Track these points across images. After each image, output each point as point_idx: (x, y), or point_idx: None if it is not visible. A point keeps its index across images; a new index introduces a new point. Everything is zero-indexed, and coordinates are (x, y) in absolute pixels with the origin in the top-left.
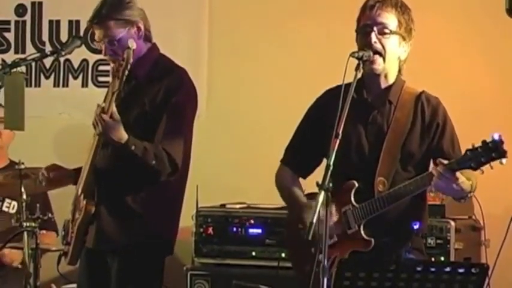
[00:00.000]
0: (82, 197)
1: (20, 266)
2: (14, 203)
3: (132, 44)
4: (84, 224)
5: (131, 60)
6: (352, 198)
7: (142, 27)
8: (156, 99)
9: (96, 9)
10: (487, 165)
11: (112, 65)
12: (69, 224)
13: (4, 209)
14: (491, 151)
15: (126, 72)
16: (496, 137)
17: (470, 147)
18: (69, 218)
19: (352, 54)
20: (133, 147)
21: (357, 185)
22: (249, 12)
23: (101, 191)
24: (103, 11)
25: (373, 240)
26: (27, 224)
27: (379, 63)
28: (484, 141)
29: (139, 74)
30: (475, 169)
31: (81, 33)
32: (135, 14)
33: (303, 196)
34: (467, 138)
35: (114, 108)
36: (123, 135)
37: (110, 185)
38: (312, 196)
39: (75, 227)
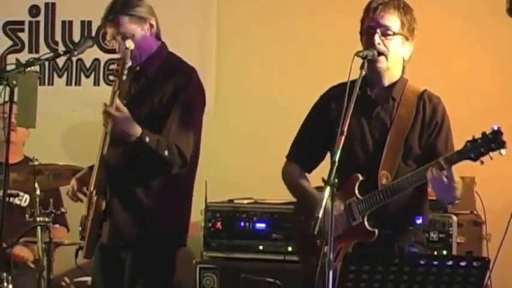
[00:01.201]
0: (94, 192)
1: (32, 265)
2: (26, 196)
3: (130, 44)
4: (97, 220)
5: (128, 60)
6: (357, 191)
7: (154, 24)
8: (165, 97)
9: (109, 7)
10: (487, 156)
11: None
12: (85, 220)
13: (17, 201)
14: (490, 142)
15: (125, 72)
16: (496, 128)
17: (470, 138)
18: (85, 213)
19: (357, 54)
20: (147, 139)
21: (361, 178)
22: (257, 10)
23: (113, 188)
24: (116, 7)
25: (376, 231)
26: (41, 219)
27: (382, 62)
28: (483, 133)
29: (148, 72)
30: (475, 160)
31: (93, 34)
32: (146, 11)
33: (313, 188)
34: (470, 135)
35: (118, 102)
36: (136, 127)
37: (122, 181)
38: (319, 190)
39: (88, 223)
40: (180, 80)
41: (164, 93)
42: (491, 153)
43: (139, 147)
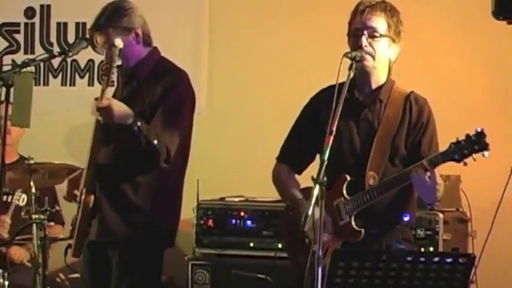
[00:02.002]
0: (84, 190)
1: (28, 264)
2: (24, 196)
3: (119, 42)
4: (85, 217)
5: (116, 58)
6: (344, 191)
7: (140, 33)
8: (155, 97)
9: (96, 17)
10: (470, 158)
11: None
12: (75, 219)
13: (14, 201)
14: (474, 144)
15: (114, 71)
16: (479, 130)
17: (454, 140)
18: (75, 213)
19: (345, 55)
20: (139, 124)
21: (349, 178)
22: (249, 12)
23: (102, 185)
24: (102, 19)
25: (363, 230)
26: (36, 216)
27: (369, 60)
28: (467, 135)
29: (140, 75)
30: (458, 161)
31: (87, 35)
32: (133, 21)
33: (299, 192)
34: (455, 135)
35: (106, 95)
36: (128, 112)
37: (111, 179)
38: (307, 191)
39: (77, 221)
40: (170, 81)
41: (154, 94)
42: (474, 155)
43: (132, 133)
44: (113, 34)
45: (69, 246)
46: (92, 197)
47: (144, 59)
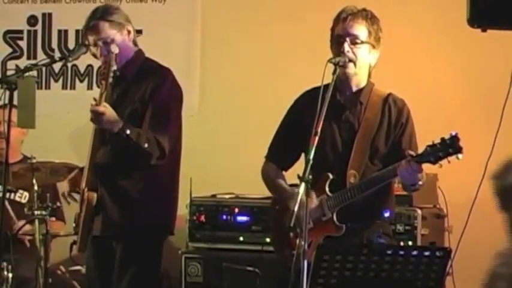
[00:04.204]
0: (86, 189)
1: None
2: (26, 193)
3: (115, 48)
4: (89, 214)
5: (114, 64)
6: (327, 189)
7: (132, 30)
8: (145, 95)
9: (89, 16)
10: (445, 160)
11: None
12: (78, 216)
13: (17, 199)
14: (448, 147)
15: (111, 74)
16: (453, 134)
17: (430, 143)
18: (78, 211)
19: (329, 60)
20: (128, 131)
21: (331, 176)
22: (240, 15)
23: (103, 183)
24: (96, 15)
25: (344, 226)
26: (39, 212)
27: (351, 68)
28: (442, 138)
29: (128, 75)
30: (434, 163)
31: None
32: (124, 19)
33: (288, 186)
34: (434, 138)
35: (103, 101)
36: (118, 121)
37: (111, 177)
38: (294, 187)
39: (81, 218)
40: (157, 79)
41: (144, 91)
42: (449, 158)
43: (122, 139)
44: (107, 28)
45: (74, 242)
46: (95, 195)
47: (131, 59)
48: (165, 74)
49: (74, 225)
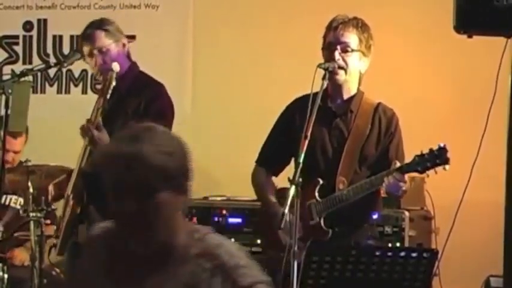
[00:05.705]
0: (71, 196)
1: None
2: (21, 199)
3: (116, 67)
4: (71, 222)
5: (114, 82)
6: (316, 194)
7: (126, 44)
8: (139, 108)
9: (85, 28)
10: (432, 171)
11: (100, 78)
12: (60, 220)
13: (12, 204)
14: (436, 158)
15: (110, 92)
16: (441, 145)
17: (418, 153)
18: (61, 214)
19: (319, 65)
20: None
21: (321, 182)
22: (232, 19)
23: (90, 195)
24: (92, 25)
25: (330, 231)
26: (34, 215)
27: (341, 75)
28: (430, 149)
29: (122, 88)
30: (421, 172)
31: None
32: (119, 30)
33: (273, 197)
34: (420, 146)
35: (99, 120)
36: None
37: (97, 188)
38: (284, 191)
39: (63, 223)
40: (151, 92)
41: (138, 105)
42: (436, 168)
43: None
44: (104, 37)
45: (54, 245)
46: (80, 207)
47: (126, 72)
48: (159, 88)
49: (54, 228)
